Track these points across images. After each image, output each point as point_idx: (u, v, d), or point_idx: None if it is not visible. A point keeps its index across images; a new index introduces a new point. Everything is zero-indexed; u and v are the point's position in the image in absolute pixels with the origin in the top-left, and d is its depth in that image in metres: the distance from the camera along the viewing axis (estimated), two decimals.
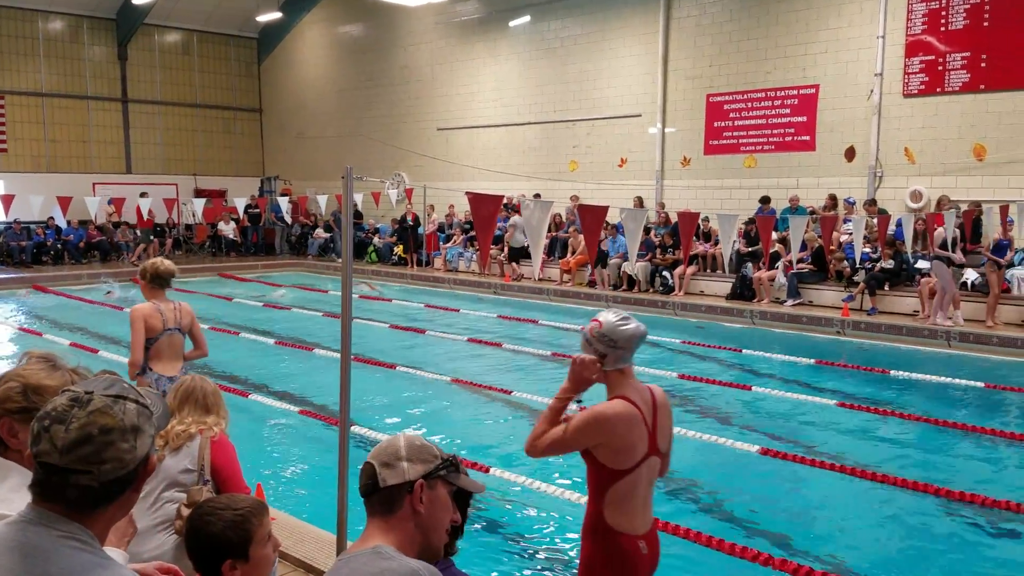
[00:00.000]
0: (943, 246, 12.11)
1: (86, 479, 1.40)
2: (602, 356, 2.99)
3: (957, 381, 9.65)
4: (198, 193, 23.71)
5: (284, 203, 20.01)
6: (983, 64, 13.67)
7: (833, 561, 5.04)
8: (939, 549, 5.37)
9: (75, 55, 24.03)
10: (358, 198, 18.24)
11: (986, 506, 5.83)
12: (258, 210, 23.97)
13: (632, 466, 2.95)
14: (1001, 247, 12.22)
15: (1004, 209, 11.34)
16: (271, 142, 27.72)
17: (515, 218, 18.41)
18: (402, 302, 16.28)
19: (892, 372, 10.02)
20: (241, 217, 22.53)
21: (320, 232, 23.15)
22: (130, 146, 25.09)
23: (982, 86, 13.71)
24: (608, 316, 3.04)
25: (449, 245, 19.92)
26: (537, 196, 18.10)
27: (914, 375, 9.90)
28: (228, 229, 23.53)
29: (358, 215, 22.09)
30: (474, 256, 18.89)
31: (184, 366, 5.40)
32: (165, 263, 5.39)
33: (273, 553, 2.41)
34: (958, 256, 12.25)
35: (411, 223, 20.50)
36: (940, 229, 11.95)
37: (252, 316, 14.44)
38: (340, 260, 21.15)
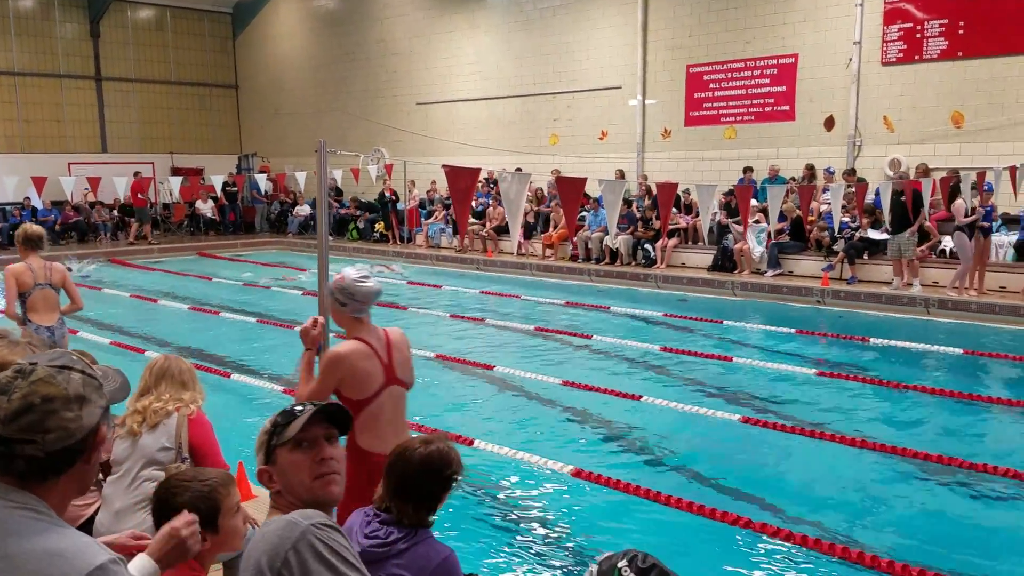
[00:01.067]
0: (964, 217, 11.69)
1: (31, 449, 1.38)
2: (343, 304, 3.47)
3: (936, 348, 9.76)
4: (175, 172, 23.43)
5: (262, 180, 19.81)
6: (961, 31, 13.68)
7: (813, 524, 5.10)
8: (916, 512, 5.45)
9: (47, 33, 23.57)
10: (337, 175, 18.11)
11: (963, 469, 5.92)
12: (236, 188, 23.72)
13: (372, 395, 3.46)
14: (986, 214, 12.04)
15: (981, 176, 11.41)
16: (248, 119, 27.39)
17: (436, 195, 19.06)
18: (384, 280, 16.21)
19: (872, 340, 10.11)
20: (219, 195, 22.31)
21: (300, 209, 22.96)
22: (105, 125, 24.72)
23: (960, 53, 13.73)
24: (350, 272, 3.47)
25: (430, 221, 19.82)
26: (519, 171, 18.05)
27: (893, 342, 10.00)
28: (206, 208, 23.31)
29: (339, 192, 21.92)
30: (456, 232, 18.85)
31: (61, 317, 6.35)
32: (34, 227, 6.26)
33: (244, 525, 2.41)
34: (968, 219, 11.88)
35: (391, 199, 20.37)
36: (960, 200, 11.65)
37: (232, 296, 14.35)
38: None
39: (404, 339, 3.68)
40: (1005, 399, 7.64)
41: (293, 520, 1.77)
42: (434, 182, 20.56)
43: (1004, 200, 12.63)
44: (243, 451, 6.28)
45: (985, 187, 11.75)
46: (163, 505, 2.20)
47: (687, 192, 15.41)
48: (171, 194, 20.25)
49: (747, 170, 15.46)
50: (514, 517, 5.35)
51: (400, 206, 20.48)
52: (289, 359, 9.43)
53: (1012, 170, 11.62)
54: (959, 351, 9.55)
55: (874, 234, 13.32)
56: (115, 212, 22.41)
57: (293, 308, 12.61)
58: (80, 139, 24.22)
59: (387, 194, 20.45)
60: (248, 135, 27.43)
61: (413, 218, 20.28)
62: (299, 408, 2.06)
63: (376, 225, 21.00)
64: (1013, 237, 12.69)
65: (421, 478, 2.41)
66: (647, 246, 15.60)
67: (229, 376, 8.69)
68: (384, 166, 19.25)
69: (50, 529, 1.39)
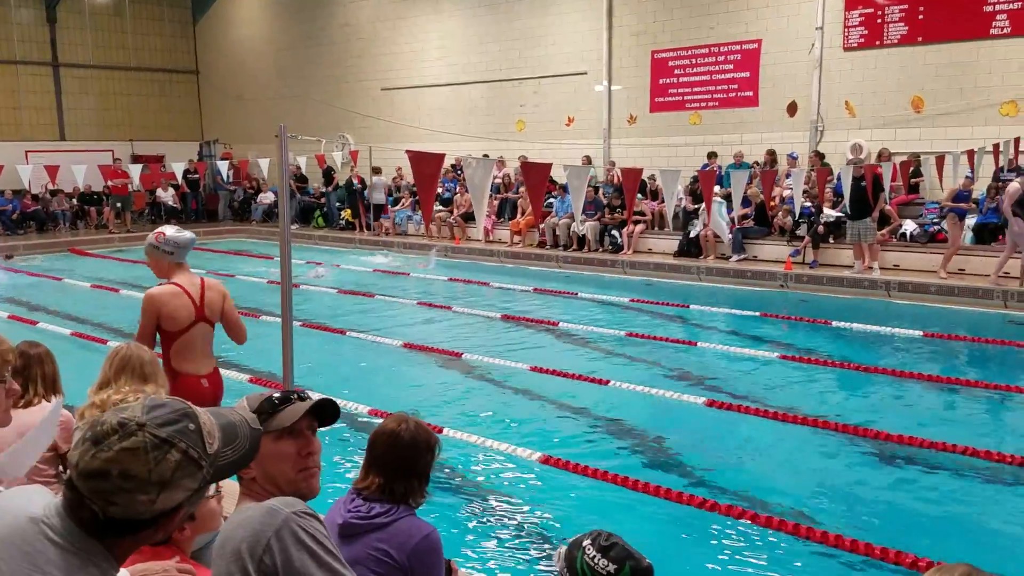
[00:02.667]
0: (1020, 203, 11.07)
1: (94, 508, 1.30)
2: (170, 254, 4.30)
3: (897, 330, 9.93)
4: (135, 159, 22.99)
5: (224, 167, 19.52)
6: (920, 16, 13.87)
7: (778, 506, 5.18)
8: (879, 492, 5.55)
9: (1, 18, 22.94)
10: (301, 161, 17.91)
11: (924, 447, 6.04)
12: (197, 175, 23.36)
13: (185, 328, 4.32)
14: (961, 198, 12.15)
15: (940, 160, 11.59)
16: (209, 105, 26.96)
17: (376, 178, 19.26)
18: (350, 267, 16.10)
19: (834, 323, 10.26)
20: (180, 183, 21.96)
21: (264, 197, 22.68)
22: (63, 112, 24.17)
23: (920, 38, 13.92)
24: (168, 229, 4.37)
25: (397, 208, 19.69)
26: (486, 156, 18.02)
27: (855, 325, 10.16)
28: (167, 196, 22.93)
29: (303, 178, 21.69)
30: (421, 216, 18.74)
31: None
32: None
33: (218, 505, 2.42)
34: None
35: (357, 186, 20.20)
36: (1015, 183, 11.12)
37: None
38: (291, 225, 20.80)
39: (222, 290, 4.53)
40: (964, 380, 7.80)
41: (273, 507, 1.73)
42: (399, 168, 20.42)
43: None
44: None
45: (967, 175, 11.68)
46: None
47: (652, 178, 15.47)
48: (132, 182, 19.88)
49: (711, 156, 15.56)
50: (483, 504, 5.36)
51: (367, 193, 20.29)
52: (254, 347, 9.34)
53: (970, 154, 11.83)
54: (919, 333, 9.73)
55: (833, 213, 13.42)
56: (75, 201, 21.95)
57: (256, 296, 12.47)
58: (37, 126, 23.66)
59: (354, 181, 20.27)
60: (210, 122, 27.00)
61: (380, 205, 20.10)
62: (282, 397, 1.99)
63: (343, 212, 20.82)
64: (972, 220, 12.92)
65: (416, 454, 2.44)
66: (614, 232, 15.65)
67: None
68: (349, 152, 19.07)
69: None
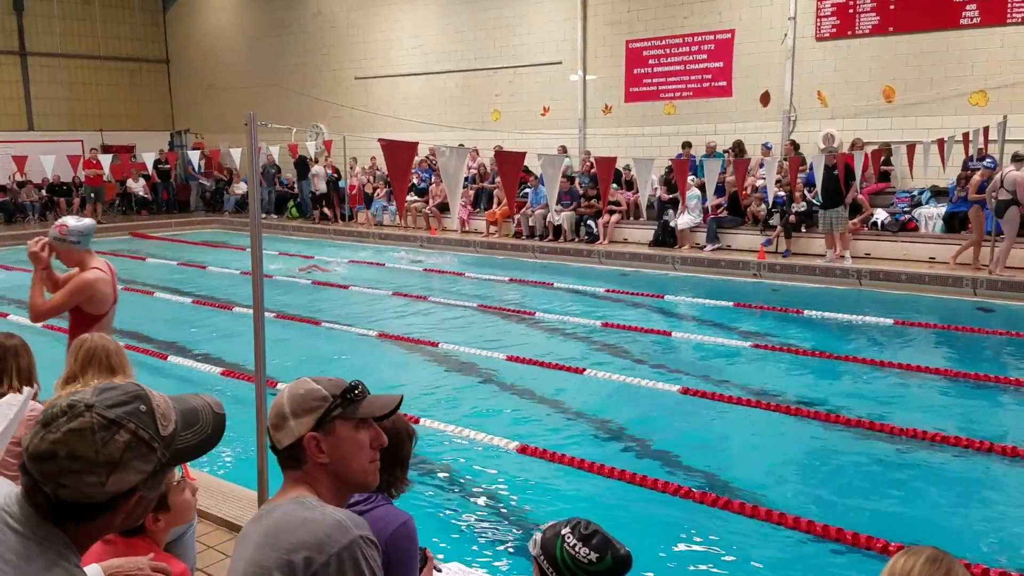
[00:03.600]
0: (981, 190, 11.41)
1: (46, 491, 1.28)
2: (78, 243, 4.42)
3: (868, 318, 10.05)
4: (105, 149, 22.65)
5: (196, 157, 19.29)
6: (892, 7, 13.98)
7: (751, 492, 5.23)
8: (851, 476, 5.63)
9: None
10: (274, 151, 17.75)
11: (894, 434, 6.13)
12: (168, 166, 23.07)
13: (107, 310, 4.53)
14: (982, 189, 11.79)
15: (911, 149, 11.71)
16: (180, 94, 26.60)
17: (315, 168, 19.42)
18: (325, 258, 15.99)
19: (806, 312, 10.36)
20: (151, 173, 21.68)
21: (236, 187, 22.44)
22: (31, 102, 23.72)
23: (891, 28, 14.05)
24: (69, 220, 4.51)
25: (373, 198, 19.57)
26: (461, 147, 17.96)
27: (827, 313, 10.27)
28: (137, 186, 22.62)
29: (276, 169, 21.50)
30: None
31: None
32: None
33: (192, 496, 2.42)
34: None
35: (332, 176, 20.05)
36: (1014, 170, 11.33)
37: (167, 276, 14.00)
38: (264, 215, 20.62)
39: (114, 270, 4.70)
40: (934, 368, 7.92)
41: (344, 524, 1.67)
42: (373, 159, 20.30)
43: (933, 173, 13.00)
44: None
45: (987, 163, 11.69)
46: None
47: (628, 168, 15.51)
48: (104, 173, 19.61)
49: (686, 145, 15.62)
50: (461, 493, 5.36)
51: (341, 184, 20.17)
52: (228, 340, 9.27)
53: (940, 143, 11.96)
54: (890, 321, 9.85)
55: (803, 203, 13.53)
56: (43, 192, 21.60)
57: (229, 287, 12.36)
58: (4, 117, 23.19)
59: (328, 171, 20.12)
60: (181, 111, 26.65)
61: (355, 196, 20.00)
62: (359, 388, 1.90)
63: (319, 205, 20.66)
64: (942, 209, 13.09)
65: (397, 442, 2.43)
66: (589, 222, 15.68)
67: (166, 358, 8.49)
68: (323, 142, 18.92)
69: (50, 565, 1.30)
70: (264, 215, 20.81)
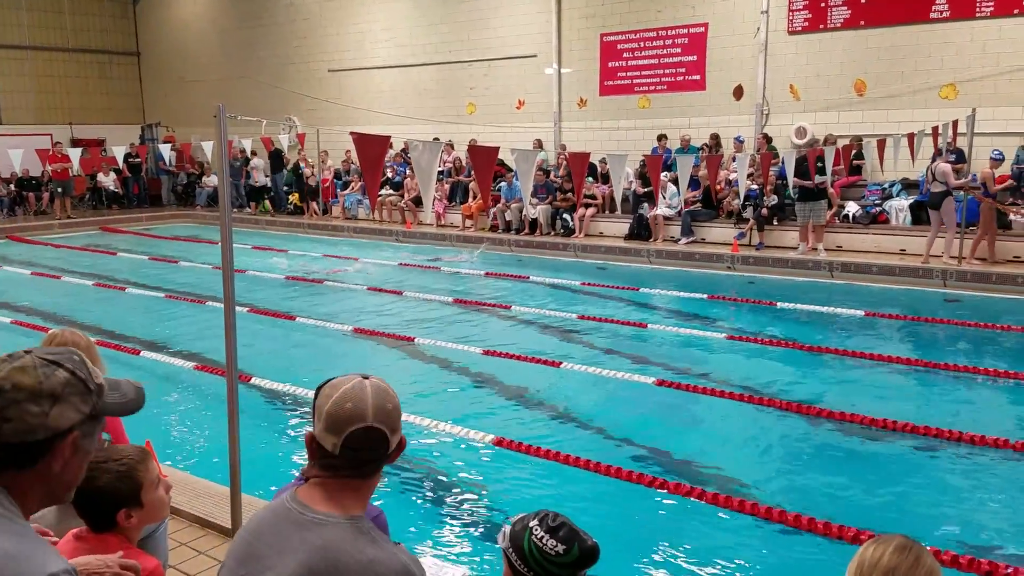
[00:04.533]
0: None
1: None
2: None
3: (840, 310, 10.16)
4: (75, 143, 22.30)
5: (167, 151, 19.07)
6: (863, 0, 14.11)
7: (723, 481, 5.28)
8: (822, 466, 5.71)
9: None
10: (247, 144, 17.61)
11: (865, 424, 6.20)
12: (139, 159, 22.76)
13: None
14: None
15: (881, 143, 11.84)
16: (151, 87, 26.25)
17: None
18: (299, 252, 15.89)
19: (779, 303, 10.46)
20: (121, 167, 21.38)
21: (208, 181, 22.21)
22: None
23: (862, 22, 14.18)
24: None
25: (347, 192, 19.47)
26: (436, 140, 17.95)
27: (799, 305, 10.37)
28: (108, 180, 22.32)
29: (248, 162, 21.28)
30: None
31: None
32: None
33: (166, 493, 2.40)
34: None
35: (305, 170, 19.90)
36: (941, 162, 11.76)
37: (139, 271, 13.83)
38: (235, 209, 20.43)
39: None
40: (904, 358, 8.02)
41: (411, 571, 1.62)
42: (348, 152, 20.18)
43: (903, 165, 13.16)
44: (157, 429, 6.10)
45: (994, 154, 11.74)
46: (84, 491, 2.12)
47: (603, 161, 15.53)
48: (72, 167, 19.30)
49: (661, 138, 15.68)
50: (436, 486, 5.36)
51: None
52: (201, 335, 9.18)
53: (910, 137, 12.11)
54: (861, 313, 9.97)
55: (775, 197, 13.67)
56: (12, 186, 21.23)
57: (201, 282, 12.24)
58: None
59: (301, 164, 19.97)
60: (151, 104, 26.31)
61: (328, 189, 19.87)
62: None
63: (290, 196, 20.52)
64: (910, 200, 13.25)
65: None
66: (565, 216, 15.70)
67: (138, 353, 8.39)
68: (296, 135, 18.78)
69: (7, 527, 1.31)
70: (237, 209, 20.68)
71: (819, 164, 12.15)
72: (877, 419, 6.21)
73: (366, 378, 1.68)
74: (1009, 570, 4.05)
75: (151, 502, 2.26)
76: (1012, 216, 11.77)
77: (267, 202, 20.93)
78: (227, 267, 3.59)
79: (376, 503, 2.48)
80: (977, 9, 13.15)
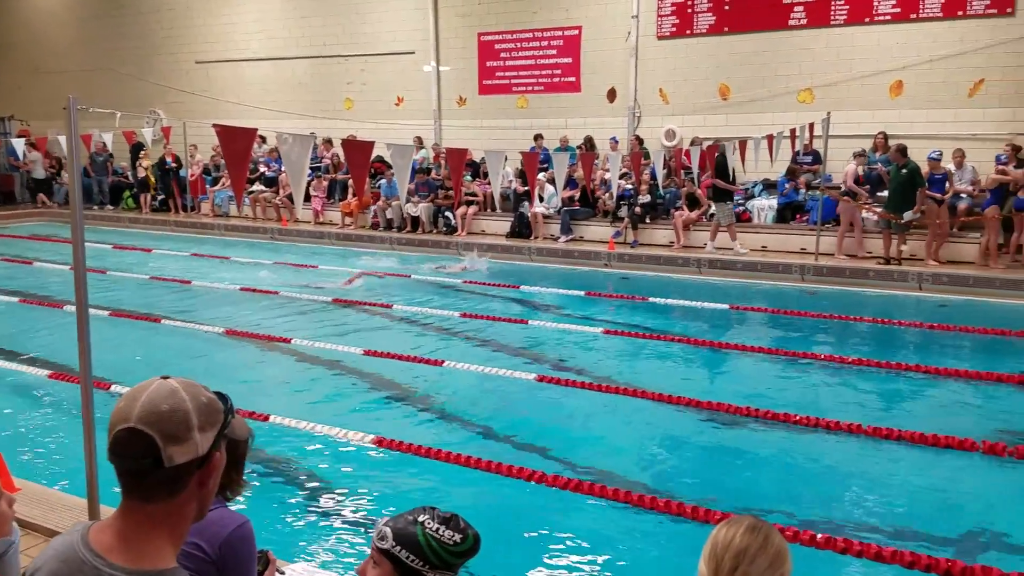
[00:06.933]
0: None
1: None
2: None
3: (708, 304, 10.62)
4: None
5: (21, 145, 17.83)
6: (727, 7, 14.78)
7: (602, 472, 5.42)
8: (694, 453, 5.96)
9: None
10: (107, 138, 16.71)
11: (730, 412, 6.51)
12: None
13: None
14: (935, 181, 12.15)
15: (743, 145, 12.43)
16: (5, 78, 24.39)
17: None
18: (165, 251, 15.19)
19: (652, 299, 10.83)
20: None
21: (67, 177, 20.87)
22: None
23: (726, 28, 14.84)
24: None
25: (217, 188, 18.75)
26: (312, 134, 17.52)
27: (670, 300, 10.77)
28: None
29: (110, 156, 20.17)
30: (246, 200, 17.92)
31: None
32: None
33: (9, 508, 2.25)
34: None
35: (172, 165, 19.03)
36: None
37: None
38: (95, 207, 19.31)
39: None
40: (766, 348, 8.47)
41: None
42: (216, 147, 19.41)
43: (764, 167, 13.85)
44: (7, 441, 5.70)
45: (933, 155, 12.10)
46: None
47: (484, 160, 15.62)
48: None
49: (537, 138, 15.91)
50: (313, 491, 5.25)
51: (182, 172, 19.16)
52: (57, 340, 8.63)
53: (769, 138, 12.76)
54: (726, 306, 10.46)
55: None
56: None
57: (59, 284, 11.51)
58: None
59: (168, 160, 19.07)
60: (5, 97, 24.42)
61: (197, 186, 19.08)
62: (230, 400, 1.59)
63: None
64: (773, 201, 14.00)
65: (232, 442, 2.32)
66: (447, 214, 15.69)
67: None
68: (161, 129, 17.93)
69: None
70: (98, 206, 19.55)
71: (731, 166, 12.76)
72: (742, 407, 6.53)
73: (166, 378, 1.44)
74: (857, 547, 4.35)
75: None
76: (864, 214, 12.60)
77: (130, 199, 19.89)
78: (79, 267, 3.40)
79: (241, 509, 2.42)
80: (832, 17, 14.00)
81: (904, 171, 11.79)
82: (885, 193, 12.39)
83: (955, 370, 7.57)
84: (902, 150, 11.93)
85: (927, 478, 5.46)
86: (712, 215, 14.06)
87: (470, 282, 12.12)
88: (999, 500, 5.20)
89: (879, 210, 12.25)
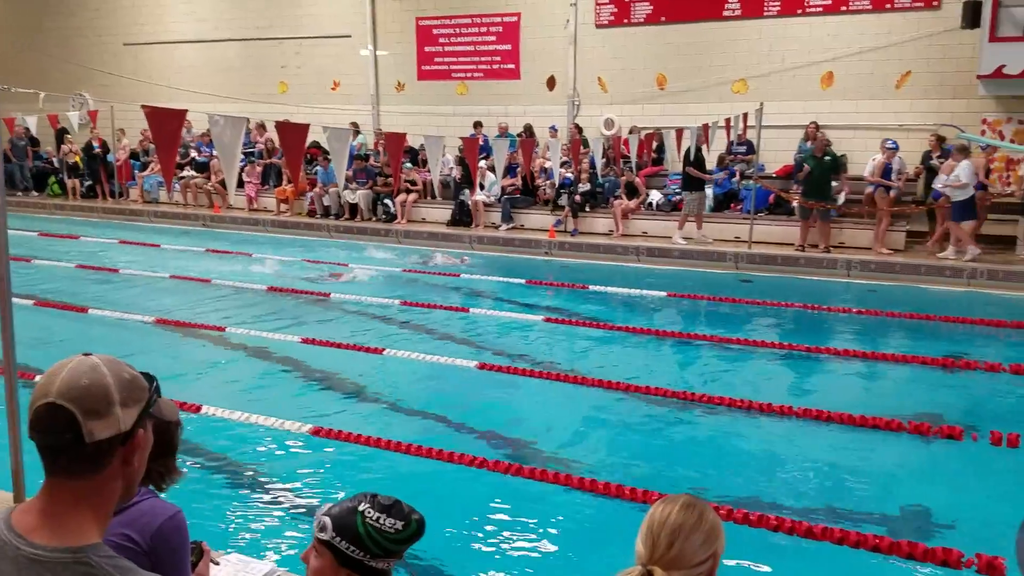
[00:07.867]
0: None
1: None
2: None
3: (645, 292, 10.75)
4: None
5: None
6: None
7: (541, 456, 5.45)
8: (635, 437, 6.03)
9: None
10: (31, 122, 16.08)
11: (666, 397, 6.61)
12: None
13: None
14: (889, 170, 12.40)
15: (679, 134, 12.59)
16: None
17: None
18: (91, 239, 14.69)
19: (591, 287, 10.91)
20: None
21: None
22: None
23: (663, 18, 14.99)
24: None
25: (146, 174, 18.18)
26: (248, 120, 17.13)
27: (609, 288, 10.87)
28: None
29: (35, 141, 19.40)
30: (177, 186, 17.43)
31: None
32: None
33: None
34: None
35: (99, 150, 18.39)
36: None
37: None
38: (19, 193, 18.53)
39: None
40: (702, 335, 8.61)
41: None
42: (144, 131, 18.83)
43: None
44: None
45: (889, 144, 12.32)
46: None
47: (423, 147, 15.48)
48: None
49: (477, 125, 15.85)
50: (248, 481, 5.15)
51: (110, 157, 18.54)
52: None
53: (704, 128, 12.96)
54: (664, 294, 10.61)
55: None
56: None
57: None
58: None
59: (95, 144, 18.42)
60: None
61: (125, 171, 18.48)
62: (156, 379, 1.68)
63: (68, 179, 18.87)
64: (710, 190, 14.21)
65: (165, 427, 2.24)
66: (387, 201, 15.52)
67: None
68: (88, 112, 17.31)
69: None
70: (23, 192, 18.78)
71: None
72: (679, 391, 6.64)
73: (88, 355, 1.45)
74: (789, 524, 4.46)
75: None
76: (794, 203, 12.90)
77: (56, 185, 19.18)
78: (2, 255, 3.26)
79: (174, 499, 2.35)
80: (765, 8, 14.26)
81: (827, 159, 12.16)
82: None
83: (883, 354, 7.82)
84: (824, 143, 12.35)
85: (856, 458, 5.63)
86: (650, 203, 14.23)
87: (410, 270, 12.03)
88: (925, 478, 5.40)
89: (799, 198, 12.51)
